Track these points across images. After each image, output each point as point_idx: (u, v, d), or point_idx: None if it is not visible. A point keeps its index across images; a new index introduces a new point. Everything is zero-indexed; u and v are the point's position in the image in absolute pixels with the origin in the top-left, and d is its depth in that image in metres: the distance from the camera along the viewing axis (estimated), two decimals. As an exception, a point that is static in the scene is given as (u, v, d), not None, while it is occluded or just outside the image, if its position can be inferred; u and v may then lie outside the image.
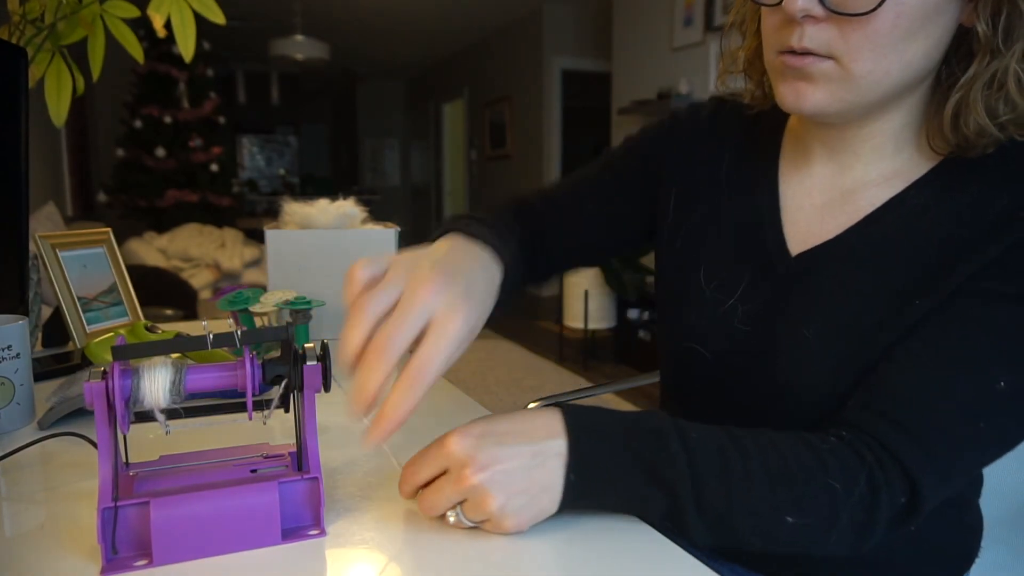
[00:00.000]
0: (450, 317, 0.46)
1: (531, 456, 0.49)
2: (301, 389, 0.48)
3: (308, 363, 0.48)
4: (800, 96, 0.59)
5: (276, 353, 0.50)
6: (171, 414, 0.47)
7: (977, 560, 0.71)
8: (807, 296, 0.64)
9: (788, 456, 0.52)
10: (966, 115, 0.57)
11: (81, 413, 0.73)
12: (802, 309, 0.63)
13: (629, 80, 4.68)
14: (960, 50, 0.58)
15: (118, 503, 0.45)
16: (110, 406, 0.44)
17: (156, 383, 0.45)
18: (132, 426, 0.46)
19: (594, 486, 0.50)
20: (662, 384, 0.83)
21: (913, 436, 0.53)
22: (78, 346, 0.96)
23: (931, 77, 0.60)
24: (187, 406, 0.48)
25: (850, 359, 0.60)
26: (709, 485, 0.50)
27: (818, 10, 0.54)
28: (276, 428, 0.71)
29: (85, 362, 0.89)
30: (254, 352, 0.50)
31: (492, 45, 7.29)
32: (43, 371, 0.89)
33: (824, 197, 0.67)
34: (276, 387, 0.49)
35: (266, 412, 0.49)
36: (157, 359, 0.47)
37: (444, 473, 0.49)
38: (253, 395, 0.48)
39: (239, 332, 0.47)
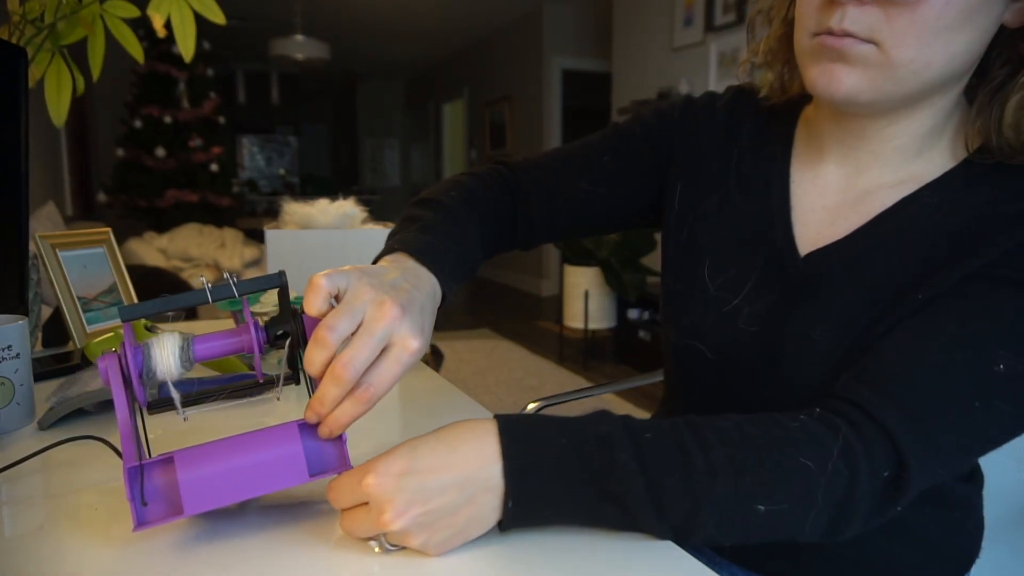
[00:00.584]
0: (407, 345, 0.48)
1: (458, 492, 0.46)
2: (305, 343, 0.49)
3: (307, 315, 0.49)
4: (834, 79, 0.56)
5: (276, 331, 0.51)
6: (188, 403, 0.49)
7: (977, 560, 0.71)
8: (815, 298, 0.62)
9: (754, 440, 0.49)
10: (994, 114, 0.55)
11: (81, 413, 0.73)
12: (810, 311, 0.62)
13: (629, 80, 4.68)
14: (1003, 54, 0.56)
15: (144, 461, 0.46)
16: (125, 380, 0.46)
17: (166, 351, 0.47)
18: (153, 421, 0.47)
19: (537, 510, 0.48)
20: (665, 382, 0.82)
21: (896, 402, 0.51)
22: (78, 346, 0.96)
23: (966, 78, 0.59)
24: (202, 393, 0.49)
25: (857, 360, 0.58)
26: (667, 487, 0.47)
27: None
28: (271, 420, 0.71)
29: (85, 362, 0.89)
30: (255, 317, 0.51)
31: (492, 45, 7.29)
32: (43, 371, 0.89)
33: (837, 198, 0.65)
34: (280, 351, 0.50)
35: (278, 388, 0.51)
36: (162, 333, 0.48)
37: (366, 503, 0.47)
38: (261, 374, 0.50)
39: (234, 279, 0.48)
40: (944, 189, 0.59)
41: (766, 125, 0.72)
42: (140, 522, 0.45)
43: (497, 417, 0.50)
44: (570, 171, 0.78)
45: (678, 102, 0.78)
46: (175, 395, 0.48)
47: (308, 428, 0.49)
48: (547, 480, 0.47)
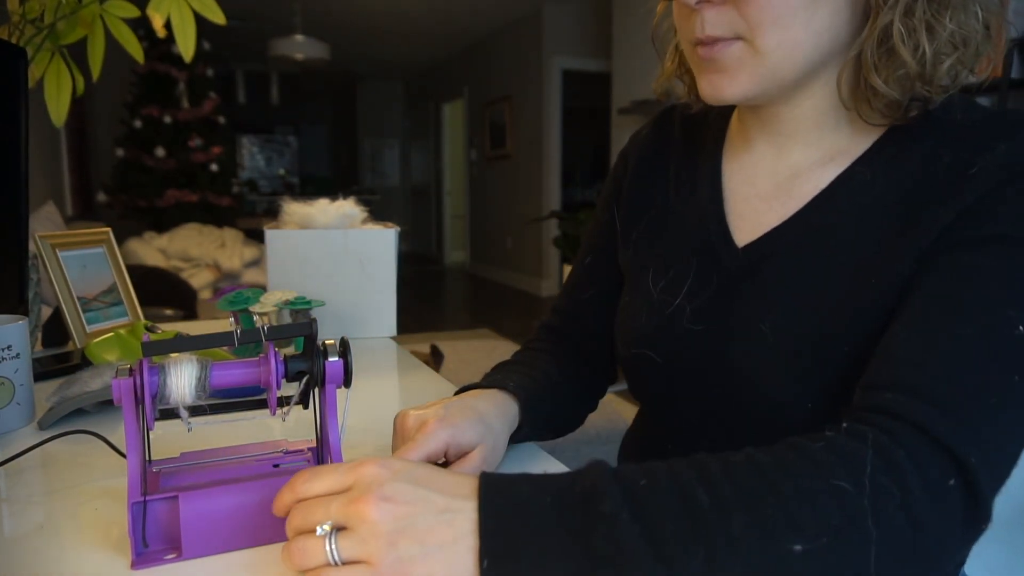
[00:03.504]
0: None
1: (441, 510, 0.41)
2: (323, 385, 0.49)
3: (330, 359, 0.49)
4: (717, 88, 0.58)
5: (288, 348, 0.51)
6: (194, 411, 0.48)
7: (978, 560, 0.71)
8: (759, 289, 0.61)
9: (769, 466, 0.42)
10: (861, 77, 0.56)
11: (81, 413, 0.73)
12: (755, 303, 0.61)
13: (629, 80, 4.68)
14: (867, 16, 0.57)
15: (147, 498, 0.45)
16: (138, 402, 0.45)
17: (182, 379, 0.46)
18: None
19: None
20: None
21: (924, 395, 0.45)
22: (78, 346, 0.96)
23: (855, 46, 0.57)
24: (209, 403, 0.49)
25: (810, 349, 0.57)
26: (670, 534, 0.39)
27: None
28: (276, 427, 0.71)
29: (85, 362, 0.89)
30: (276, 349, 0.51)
31: (492, 45, 7.29)
32: (43, 371, 0.89)
33: (768, 185, 0.65)
34: (295, 384, 0.50)
35: (286, 409, 0.50)
36: (182, 356, 0.47)
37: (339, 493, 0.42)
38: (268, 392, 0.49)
39: (264, 328, 0.48)
40: (874, 161, 0.59)
41: (700, 127, 0.73)
42: (139, 562, 0.45)
43: (481, 476, 0.43)
44: (580, 293, 0.79)
45: (618, 158, 0.81)
46: (184, 414, 0.48)
47: None
48: (525, 544, 0.39)
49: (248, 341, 0.48)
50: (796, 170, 0.63)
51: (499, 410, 0.61)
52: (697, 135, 0.73)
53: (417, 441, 0.54)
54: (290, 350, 0.59)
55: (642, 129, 0.79)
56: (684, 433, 0.68)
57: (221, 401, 0.51)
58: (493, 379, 0.67)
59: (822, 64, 0.58)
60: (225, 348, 0.86)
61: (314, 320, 0.50)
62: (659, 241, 0.71)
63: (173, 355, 0.47)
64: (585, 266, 0.80)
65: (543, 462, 0.63)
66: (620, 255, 0.76)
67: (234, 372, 0.48)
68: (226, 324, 1.14)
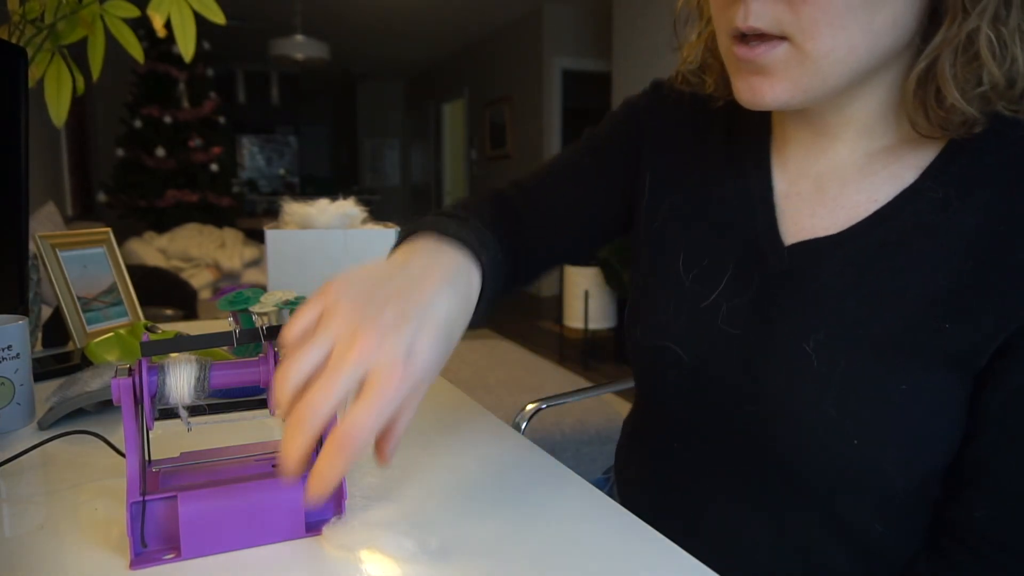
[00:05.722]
0: (386, 379, 0.38)
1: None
2: None
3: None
4: (757, 93, 0.52)
5: None
6: (193, 411, 0.48)
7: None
8: (806, 300, 0.55)
9: None
10: (933, 87, 0.49)
11: (81, 413, 0.73)
12: (801, 315, 0.55)
13: (629, 80, 4.68)
14: (936, 15, 0.49)
15: (146, 498, 0.45)
16: (137, 402, 0.45)
17: (181, 379, 0.46)
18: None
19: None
20: (636, 391, 0.74)
21: None
22: (78, 346, 0.96)
23: (913, 47, 0.51)
24: (209, 403, 0.49)
25: (860, 381, 0.51)
26: None
27: None
28: (276, 427, 0.71)
29: (85, 362, 0.89)
30: (277, 348, 0.51)
31: (492, 45, 7.29)
32: (43, 371, 0.89)
33: (808, 185, 0.59)
34: None
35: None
36: (181, 356, 0.47)
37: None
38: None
39: (264, 328, 0.48)
40: (944, 177, 0.52)
41: (741, 109, 0.63)
42: (137, 561, 0.45)
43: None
44: (556, 186, 0.72)
45: (646, 88, 0.72)
46: (183, 414, 0.48)
47: None
48: None
49: (247, 341, 0.48)
50: (841, 174, 0.57)
51: (464, 307, 0.48)
52: (743, 116, 0.64)
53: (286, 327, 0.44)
54: None
55: (639, 98, 0.71)
56: (696, 438, 0.63)
57: (221, 401, 0.51)
58: (464, 236, 0.52)
59: (877, 68, 0.51)
60: (225, 348, 0.86)
61: None
62: (694, 223, 0.64)
63: (173, 355, 0.48)
64: (577, 165, 0.71)
65: (542, 462, 0.63)
66: (641, 220, 0.69)
67: (233, 372, 0.48)
68: (226, 324, 1.14)
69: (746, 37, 0.50)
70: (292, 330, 0.41)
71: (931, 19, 0.49)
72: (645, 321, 0.65)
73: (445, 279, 0.46)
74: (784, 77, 0.50)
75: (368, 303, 0.41)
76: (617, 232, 0.75)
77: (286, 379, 0.39)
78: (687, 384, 0.61)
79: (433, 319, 0.42)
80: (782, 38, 0.49)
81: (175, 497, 0.46)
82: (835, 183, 0.58)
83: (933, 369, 0.50)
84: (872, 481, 0.53)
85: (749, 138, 0.64)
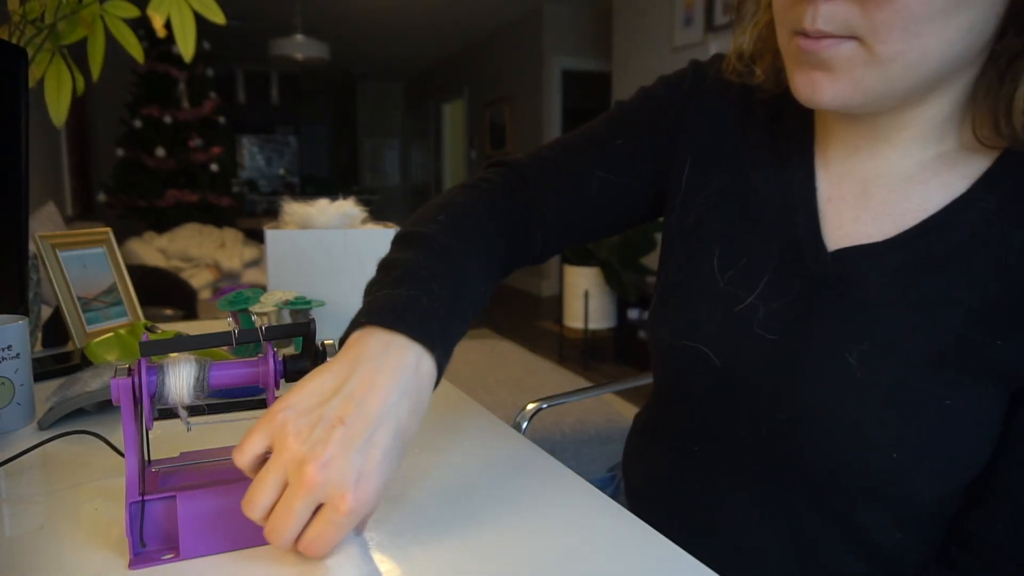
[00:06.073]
0: (337, 506, 0.40)
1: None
2: None
3: (329, 359, 0.48)
4: (816, 89, 0.49)
5: (288, 349, 0.51)
6: (192, 411, 0.48)
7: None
8: (849, 309, 0.53)
9: None
10: (1007, 95, 0.47)
11: (81, 413, 0.73)
12: (843, 324, 0.53)
13: (629, 80, 4.68)
14: (1017, 19, 0.47)
15: (145, 498, 0.45)
16: (136, 402, 0.45)
17: (181, 379, 0.46)
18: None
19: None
20: (655, 390, 0.72)
21: None
22: (78, 346, 0.96)
23: (986, 53, 0.49)
24: (208, 403, 0.49)
25: (903, 395, 0.49)
26: None
27: None
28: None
29: (85, 362, 0.89)
30: (275, 348, 0.51)
31: (492, 45, 7.29)
32: (43, 371, 0.89)
33: (853, 188, 0.56)
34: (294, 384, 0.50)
35: None
36: (180, 356, 0.48)
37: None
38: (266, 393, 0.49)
39: (263, 328, 0.48)
40: (997, 189, 0.50)
41: (789, 99, 0.58)
42: (136, 561, 0.45)
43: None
44: (581, 162, 0.67)
45: (686, 70, 0.68)
46: (183, 414, 0.48)
47: None
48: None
49: (246, 341, 0.48)
50: (889, 179, 0.55)
51: (416, 405, 0.46)
52: (789, 106, 0.61)
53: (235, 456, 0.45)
54: (290, 350, 0.60)
55: (679, 81, 0.67)
56: (717, 440, 0.62)
57: (221, 401, 0.51)
58: (414, 325, 0.48)
59: (945, 76, 0.49)
60: (225, 348, 0.86)
61: (312, 320, 0.50)
62: (732, 219, 0.61)
63: (172, 355, 0.48)
64: (607, 146, 0.67)
65: (542, 462, 0.63)
66: (675, 211, 0.65)
67: (232, 372, 0.48)
68: (226, 324, 1.14)
69: (808, 33, 0.48)
70: (243, 458, 0.43)
71: (1010, 23, 0.47)
72: (674, 320, 0.63)
73: (393, 387, 0.44)
74: (846, 75, 0.48)
75: (314, 428, 0.42)
76: (641, 218, 0.72)
77: (251, 510, 0.42)
78: (715, 386, 0.59)
79: (381, 437, 0.42)
80: (851, 37, 0.47)
81: (174, 497, 0.46)
82: (882, 188, 0.55)
83: (979, 385, 0.49)
84: (901, 492, 0.52)
85: (792, 133, 0.61)
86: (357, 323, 0.48)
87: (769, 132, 0.62)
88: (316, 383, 0.44)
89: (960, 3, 0.44)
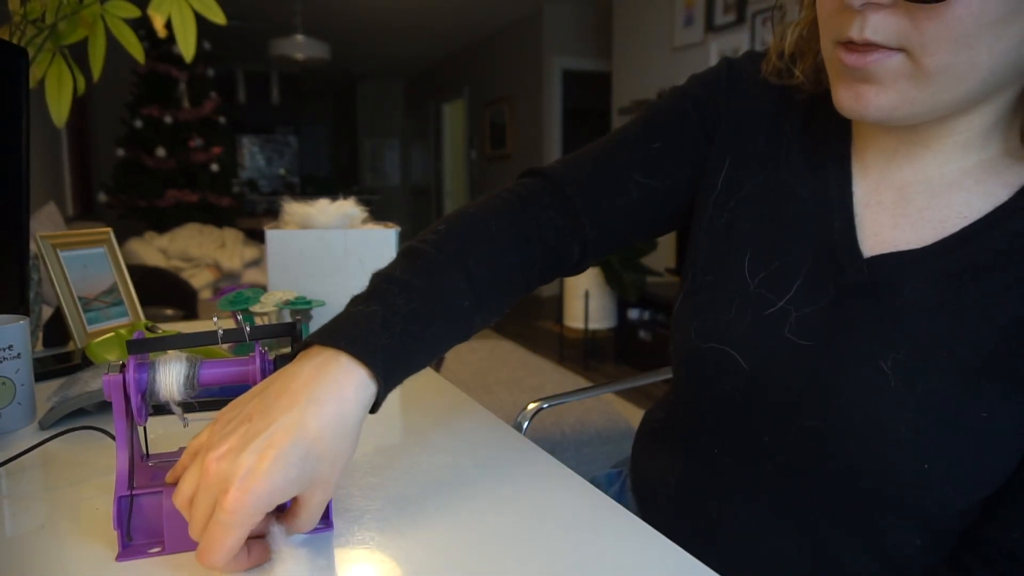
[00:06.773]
0: (223, 496, 0.40)
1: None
2: None
3: None
4: (861, 100, 0.48)
5: (286, 350, 0.52)
6: (186, 408, 0.49)
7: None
8: (885, 316, 0.52)
9: None
10: None
11: (81, 413, 0.74)
12: (879, 332, 0.52)
13: (629, 80, 4.68)
14: None
15: (133, 492, 0.46)
16: (127, 398, 0.46)
17: (171, 376, 0.47)
18: (155, 420, 0.48)
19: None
20: (673, 391, 0.71)
21: None
22: (79, 346, 0.96)
23: None
24: (201, 400, 0.50)
25: (939, 405, 0.48)
26: None
27: None
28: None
29: (85, 362, 0.89)
30: (265, 348, 0.52)
31: (492, 45, 7.29)
32: (44, 371, 0.89)
33: (891, 193, 0.56)
34: None
35: None
36: (171, 353, 0.49)
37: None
38: None
39: (247, 328, 0.49)
40: None
41: (827, 100, 0.57)
42: (124, 554, 0.46)
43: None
44: (619, 167, 0.65)
45: (720, 67, 0.67)
46: (177, 410, 0.49)
47: None
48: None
49: (232, 340, 0.49)
50: (929, 185, 0.54)
51: (336, 418, 0.45)
52: (824, 103, 0.59)
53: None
54: (288, 350, 0.60)
55: (717, 75, 0.66)
56: (738, 444, 0.61)
57: (219, 400, 0.52)
58: (358, 340, 0.48)
59: (993, 89, 0.48)
60: (226, 347, 0.86)
61: (298, 320, 0.51)
62: (765, 220, 0.60)
63: (170, 352, 0.49)
64: (645, 151, 0.65)
65: (542, 462, 0.63)
66: (707, 210, 0.64)
67: (222, 370, 0.49)
68: (225, 324, 1.14)
69: (855, 43, 0.47)
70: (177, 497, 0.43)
71: None
72: (701, 321, 0.61)
73: (302, 392, 0.44)
74: (892, 87, 0.47)
75: (227, 424, 0.44)
76: (682, 220, 0.70)
77: (176, 500, 0.43)
78: (741, 390, 0.58)
79: (280, 439, 0.42)
80: (899, 50, 0.46)
81: (160, 492, 0.46)
82: (922, 194, 0.54)
83: (1017, 396, 0.48)
84: (929, 501, 0.52)
85: (829, 136, 0.60)
86: (304, 344, 0.49)
87: (806, 134, 0.61)
88: (250, 390, 0.47)
89: (1012, 15, 0.43)
